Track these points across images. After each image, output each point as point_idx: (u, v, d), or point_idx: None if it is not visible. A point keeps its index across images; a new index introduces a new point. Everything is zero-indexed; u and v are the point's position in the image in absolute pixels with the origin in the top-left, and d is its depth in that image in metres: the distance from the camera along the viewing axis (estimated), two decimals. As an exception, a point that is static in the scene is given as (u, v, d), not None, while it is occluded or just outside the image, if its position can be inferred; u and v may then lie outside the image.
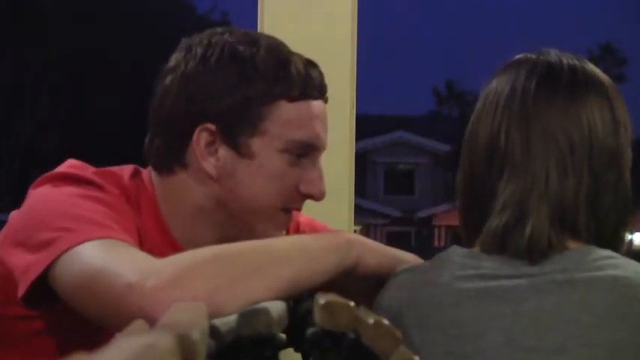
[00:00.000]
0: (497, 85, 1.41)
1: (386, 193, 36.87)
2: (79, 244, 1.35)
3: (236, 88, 1.51)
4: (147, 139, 1.58)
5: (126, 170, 1.58)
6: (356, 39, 2.29)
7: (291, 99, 1.53)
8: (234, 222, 1.54)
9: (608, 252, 1.32)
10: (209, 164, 1.52)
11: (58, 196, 1.45)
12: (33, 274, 1.36)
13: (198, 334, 0.89)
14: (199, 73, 1.52)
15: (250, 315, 1.16)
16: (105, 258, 1.32)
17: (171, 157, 1.54)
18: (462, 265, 1.34)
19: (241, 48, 1.53)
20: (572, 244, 1.33)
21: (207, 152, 1.52)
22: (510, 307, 1.29)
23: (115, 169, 1.58)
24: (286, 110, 1.53)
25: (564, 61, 1.41)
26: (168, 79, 1.54)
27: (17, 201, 1.54)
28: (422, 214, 35.91)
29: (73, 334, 1.45)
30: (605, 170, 1.35)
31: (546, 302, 1.28)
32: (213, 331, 1.11)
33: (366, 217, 33.52)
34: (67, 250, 1.35)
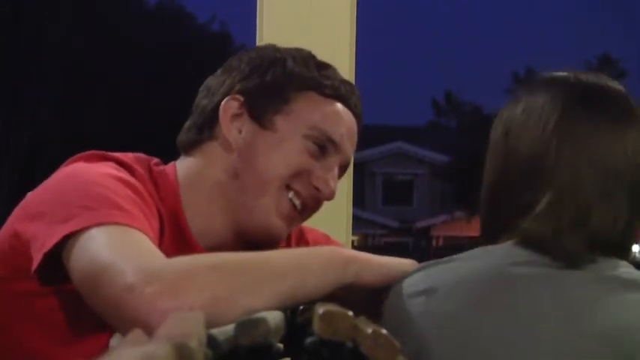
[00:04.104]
0: (543, 103, 1.41)
1: (384, 203, 36.90)
2: (94, 225, 1.35)
3: (268, 72, 1.59)
4: (181, 131, 1.64)
5: (153, 159, 1.62)
6: (354, 49, 2.29)
7: (322, 94, 1.59)
8: (243, 200, 1.56)
9: (624, 262, 1.37)
10: (232, 134, 1.58)
11: (89, 173, 1.46)
12: (46, 247, 1.37)
13: (195, 344, 0.89)
14: (239, 64, 1.62)
15: (248, 324, 1.16)
16: (113, 252, 1.32)
17: (201, 130, 1.61)
18: (508, 255, 1.36)
19: (284, 50, 1.63)
20: (601, 259, 1.36)
21: (232, 124, 1.58)
22: (560, 291, 1.31)
23: (139, 154, 1.62)
24: (315, 100, 1.59)
25: (606, 84, 1.43)
26: (210, 78, 1.65)
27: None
28: (420, 224, 35.92)
29: (85, 314, 1.45)
30: None
31: (590, 290, 1.31)
32: (211, 341, 1.10)
33: (364, 228, 33.54)
34: (82, 229, 1.35)
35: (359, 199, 31.70)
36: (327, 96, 1.59)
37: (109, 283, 1.28)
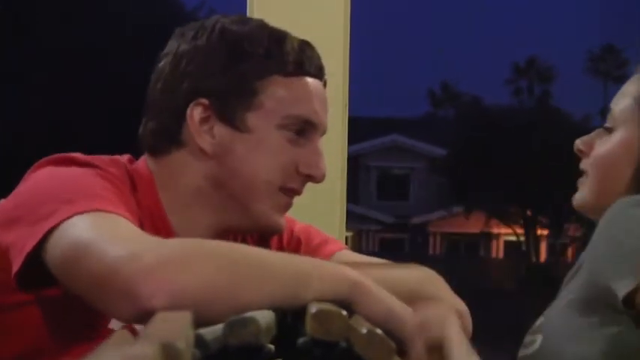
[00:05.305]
0: None
1: (379, 198, 36.91)
2: (75, 215, 1.34)
3: (228, 64, 1.54)
4: (141, 125, 1.60)
5: (124, 157, 1.60)
6: (348, 39, 2.29)
7: (286, 74, 1.56)
8: (233, 204, 1.55)
9: None
10: (205, 141, 1.54)
11: (62, 173, 1.46)
12: (29, 247, 1.36)
13: (183, 344, 0.89)
14: (190, 52, 1.56)
15: (238, 324, 1.16)
16: (99, 231, 1.32)
17: (167, 137, 1.57)
18: None
19: (233, 27, 1.57)
20: None
21: (202, 129, 1.54)
22: None
23: (113, 156, 1.59)
24: (281, 85, 1.55)
25: None
26: (161, 63, 1.59)
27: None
28: (416, 220, 35.95)
29: (66, 326, 1.45)
30: None
31: None
32: (199, 341, 1.11)
33: (358, 224, 33.56)
34: (63, 220, 1.34)
35: (352, 193, 31.63)
36: (291, 74, 1.56)
37: (98, 256, 1.27)
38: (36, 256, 1.36)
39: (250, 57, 1.55)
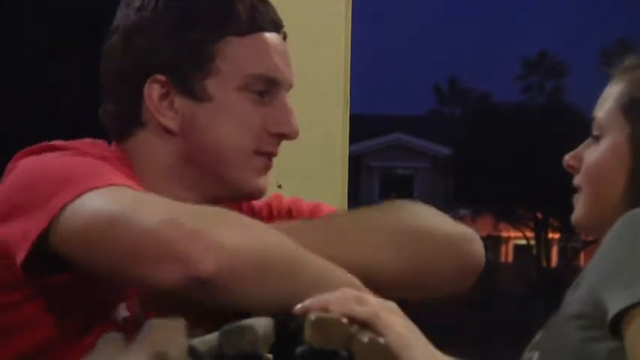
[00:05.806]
0: None
1: (381, 199, 36.87)
2: (83, 193, 1.35)
3: (177, 33, 1.53)
4: (100, 108, 1.59)
5: (101, 142, 1.59)
6: (350, 33, 2.29)
7: (240, 33, 1.54)
8: (209, 177, 1.56)
9: None
10: (167, 119, 1.54)
11: (49, 158, 1.46)
12: (34, 234, 1.36)
13: (176, 353, 0.89)
14: (138, 25, 1.55)
15: (234, 333, 1.16)
16: (124, 200, 1.34)
17: (127, 119, 1.56)
18: None
19: None
20: None
21: (162, 106, 1.54)
22: None
23: (91, 139, 1.59)
24: (236, 45, 1.54)
25: None
26: (111, 40, 1.57)
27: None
28: (421, 222, 35.87)
29: (71, 317, 1.45)
30: None
31: None
32: (192, 351, 1.11)
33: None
34: (71, 200, 1.35)
35: (354, 194, 31.58)
36: (246, 33, 1.55)
37: (135, 222, 1.30)
38: (41, 243, 1.36)
39: (200, 22, 1.54)
